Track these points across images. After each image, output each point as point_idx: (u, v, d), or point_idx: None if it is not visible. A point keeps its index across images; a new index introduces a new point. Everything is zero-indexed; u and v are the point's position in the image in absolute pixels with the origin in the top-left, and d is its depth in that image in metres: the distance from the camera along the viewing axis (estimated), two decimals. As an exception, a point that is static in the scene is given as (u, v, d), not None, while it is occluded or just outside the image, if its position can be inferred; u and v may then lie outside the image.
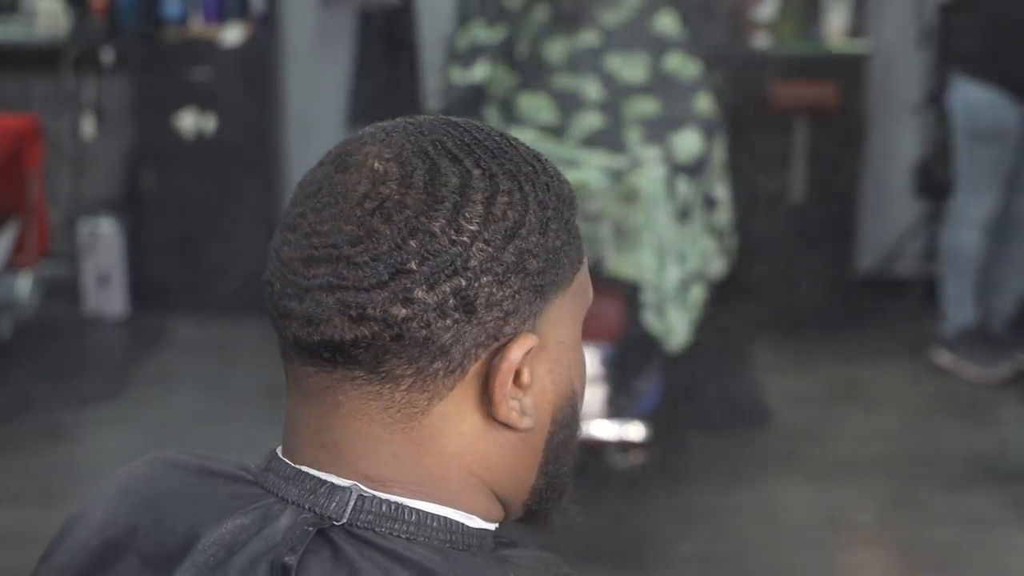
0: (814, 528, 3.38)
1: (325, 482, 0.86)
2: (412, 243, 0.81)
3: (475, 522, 0.88)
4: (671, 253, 3.31)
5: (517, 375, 0.86)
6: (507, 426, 0.86)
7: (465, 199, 0.82)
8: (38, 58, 4.83)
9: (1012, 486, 3.62)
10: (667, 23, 3.62)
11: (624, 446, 3.41)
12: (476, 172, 0.84)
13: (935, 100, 4.59)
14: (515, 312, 0.84)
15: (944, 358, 4.32)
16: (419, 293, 0.81)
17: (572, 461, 0.93)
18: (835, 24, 4.71)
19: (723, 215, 3.62)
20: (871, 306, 4.82)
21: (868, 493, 3.59)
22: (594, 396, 3.34)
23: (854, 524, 3.42)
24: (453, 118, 0.89)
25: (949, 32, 4.47)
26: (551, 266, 0.86)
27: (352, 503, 0.85)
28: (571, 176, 3.28)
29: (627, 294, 3.37)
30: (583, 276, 0.90)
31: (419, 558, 0.84)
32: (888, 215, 4.98)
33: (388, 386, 0.84)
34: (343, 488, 0.85)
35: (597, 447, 3.42)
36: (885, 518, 3.47)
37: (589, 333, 3.42)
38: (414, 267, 0.81)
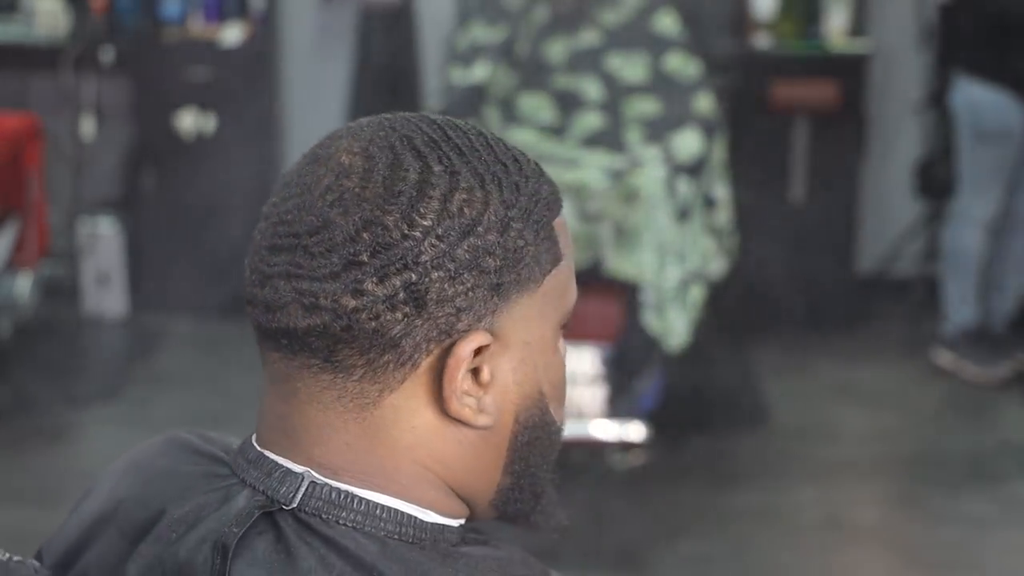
0: (814, 528, 3.38)
1: (281, 467, 0.88)
2: (365, 235, 0.82)
3: (430, 516, 0.89)
4: (671, 253, 3.31)
5: (477, 372, 0.86)
6: (463, 423, 0.87)
7: (421, 194, 0.83)
8: (38, 58, 4.83)
9: (1012, 486, 3.62)
10: (667, 23, 3.62)
11: (624, 446, 3.41)
12: (437, 168, 0.84)
13: (936, 100, 4.58)
14: (468, 309, 0.84)
15: (944, 358, 4.32)
16: (369, 285, 0.82)
17: (547, 463, 0.93)
18: (835, 24, 4.71)
19: (723, 215, 3.62)
20: (871, 306, 4.82)
21: (868, 493, 3.59)
22: (594, 396, 3.34)
23: (854, 524, 3.42)
24: (433, 116, 0.90)
25: (950, 32, 4.47)
26: (511, 265, 0.85)
27: (303, 489, 0.86)
28: (571, 176, 3.30)
29: (627, 294, 3.37)
30: (560, 279, 0.89)
31: (356, 548, 0.85)
32: (888, 215, 4.98)
33: (341, 376, 0.85)
34: (296, 474, 0.87)
35: (597, 447, 3.42)
36: (885, 518, 3.47)
37: (589, 333, 3.44)
38: (365, 259, 0.82)
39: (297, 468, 0.88)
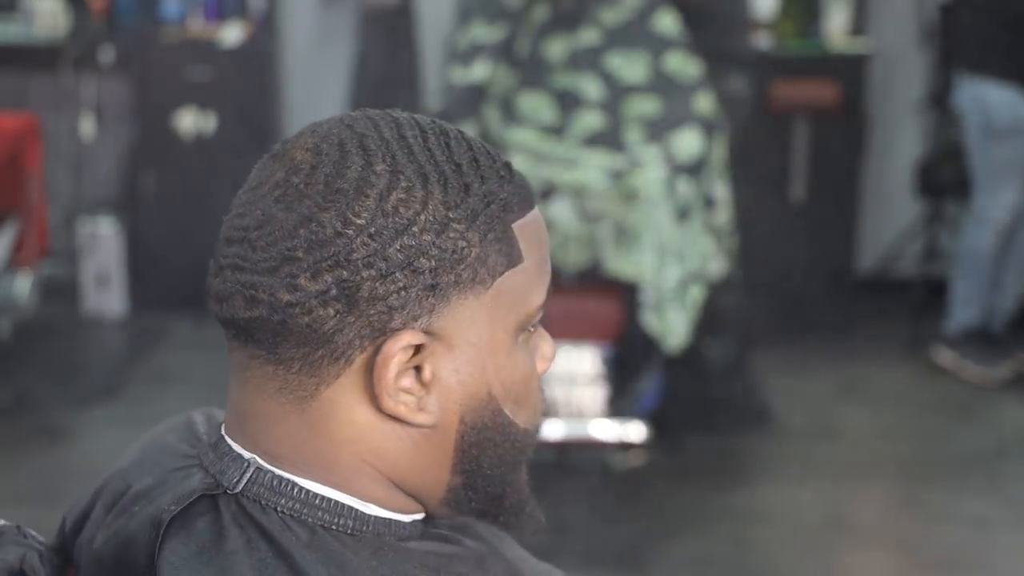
0: (814, 528, 3.38)
1: (232, 451, 0.91)
2: (302, 232, 0.84)
3: (372, 509, 0.90)
4: (671, 253, 3.30)
5: (419, 371, 0.87)
6: (400, 420, 0.88)
7: (359, 193, 0.84)
8: (37, 58, 4.83)
9: (1012, 486, 3.62)
10: (667, 22, 3.62)
11: (624, 446, 3.40)
12: (379, 168, 0.85)
13: (938, 101, 4.58)
14: (401, 308, 0.85)
15: (945, 356, 4.32)
16: (303, 281, 0.84)
17: (506, 465, 0.93)
18: (835, 24, 4.71)
19: (723, 215, 3.62)
20: (871, 306, 4.82)
21: (868, 493, 3.59)
22: (594, 396, 3.34)
23: (854, 524, 3.42)
24: (398, 114, 0.90)
25: (953, 31, 4.46)
26: (449, 267, 0.85)
27: (248, 475, 0.89)
28: (571, 176, 3.30)
29: (627, 294, 3.37)
30: (517, 281, 0.89)
31: (283, 534, 0.87)
32: (888, 215, 4.98)
33: (282, 368, 0.87)
34: (244, 459, 0.90)
35: (597, 447, 3.42)
36: (885, 518, 3.46)
37: (589, 333, 3.44)
38: (300, 255, 0.84)
39: (246, 454, 0.90)
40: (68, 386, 4.15)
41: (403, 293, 0.85)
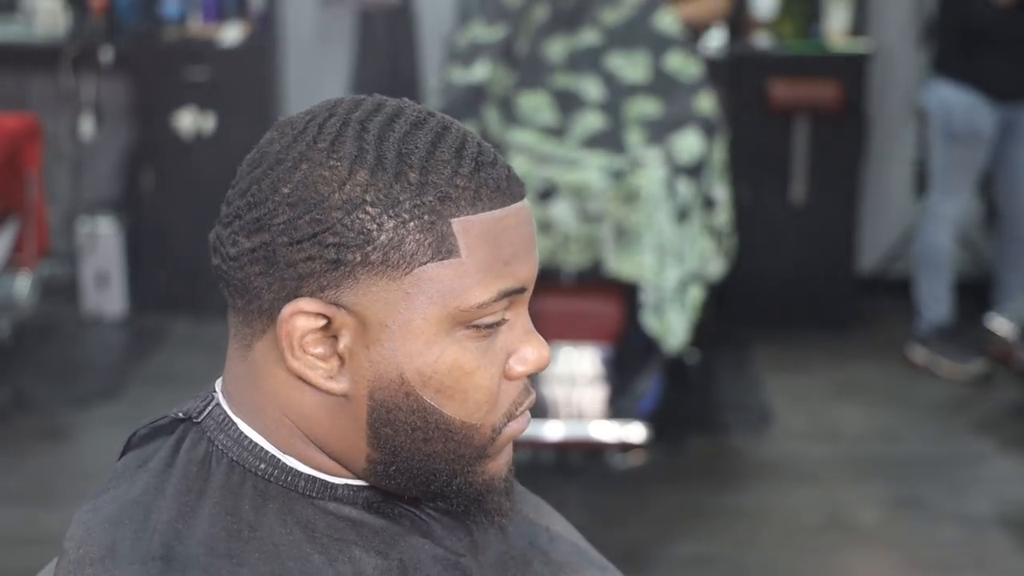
0: (814, 528, 3.38)
1: (211, 386, 1.00)
2: (248, 194, 0.92)
3: (291, 461, 0.95)
4: (670, 254, 3.30)
5: (335, 340, 0.92)
6: (310, 384, 0.93)
7: (294, 166, 0.90)
8: (37, 57, 4.83)
9: (1012, 486, 3.62)
10: (668, 22, 3.62)
11: (624, 446, 3.40)
12: (321, 145, 0.90)
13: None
14: (309, 277, 0.90)
15: (919, 354, 4.36)
16: (241, 237, 0.92)
17: (432, 451, 0.93)
18: (835, 24, 4.71)
19: (723, 216, 3.61)
20: (871, 306, 4.82)
21: (868, 493, 3.59)
22: (594, 397, 3.34)
23: (854, 524, 3.42)
24: (395, 101, 0.94)
25: (931, 33, 4.51)
26: (356, 246, 0.89)
27: (209, 408, 0.98)
28: (571, 177, 3.30)
29: (627, 295, 3.37)
30: (446, 274, 0.90)
31: (201, 465, 0.95)
32: (888, 215, 4.99)
33: (234, 316, 0.96)
34: (212, 394, 0.99)
35: (597, 447, 3.42)
36: (885, 518, 3.46)
37: (589, 333, 3.43)
38: (243, 214, 0.92)
39: (217, 392, 0.99)
40: (68, 386, 4.15)
41: (310, 263, 0.89)
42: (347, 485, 0.96)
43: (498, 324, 0.93)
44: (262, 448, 0.95)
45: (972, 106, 4.20)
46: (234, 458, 0.95)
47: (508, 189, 0.92)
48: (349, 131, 0.91)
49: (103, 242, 4.73)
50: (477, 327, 0.92)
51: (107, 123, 4.85)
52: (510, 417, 0.96)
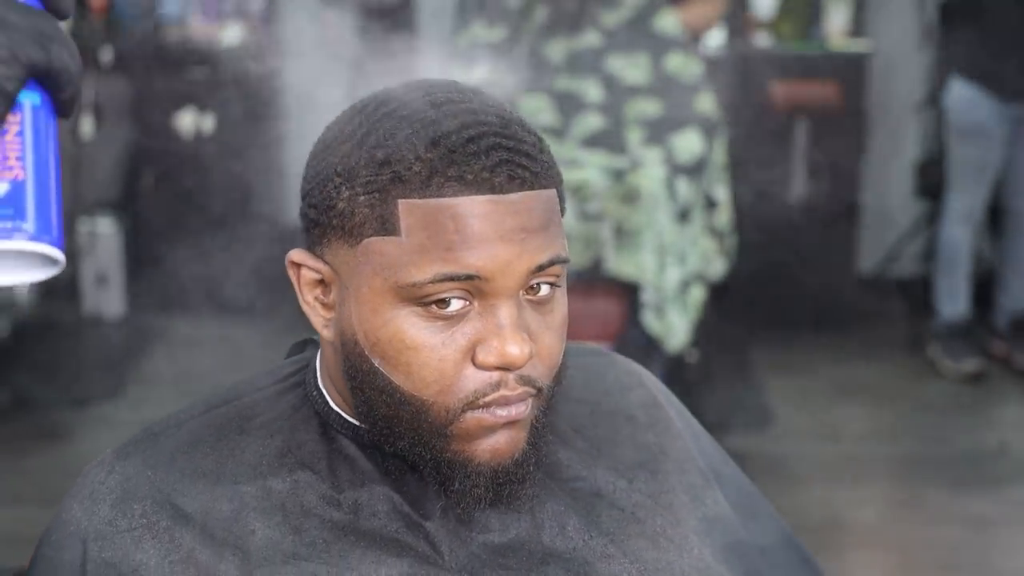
0: (814, 528, 3.37)
1: None
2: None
3: (328, 398, 1.06)
4: (671, 254, 3.30)
5: (328, 291, 1.02)
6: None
7: (320, 140, 1.02)
8: (37, 58, 4.81)
9: (1012, 486, 3.62)
10: (668, 23, 3.62)
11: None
12: (357, 120, 1.00)
13: (934, 100, 4.60)
14: (306, 232, 1.02)
15: (932, 351, 4.37)
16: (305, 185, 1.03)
17: (390, 414, 0.99)
18: (835, 24, 4.71)
19: (723, 216, 3.61)
20: (871, 306, 4.81)
21: (868, 493, 3.59)
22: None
23: (854, 524, 3.42)
24: (450, 85, 1.04)
25: (944, 31, 4.50)
26: (325, 212, 0.98)
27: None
28: (572, 176, 3.30)
29: (627, 295, 3.37)
30: (388, 250, 0.96)
31: (300, 386, 1.09)
32: (888, 215, 4.98)
33: None
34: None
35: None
36: (885, 518, 3.46)
37: (589, 333, 3.43)
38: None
39: None
40: (68, 386, 4.15)
41: (304, 220, 1.01)
42: (354, 425, 1.05)
43: (453, 307, 0.96)
44: (317, 378, 1.07)
45: (980, 104, 4.20)
46: (308, 380, 1.09)
47: (481, 182, 0.95)
48: (373, 112, 0.99)
49: (103, 242, 4.72)
50: (425, 305, 0.96)
51: (107, 123, 4.85)
52: (471, 405, 0.97)
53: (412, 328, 0.96)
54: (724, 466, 1.24)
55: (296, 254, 1.02)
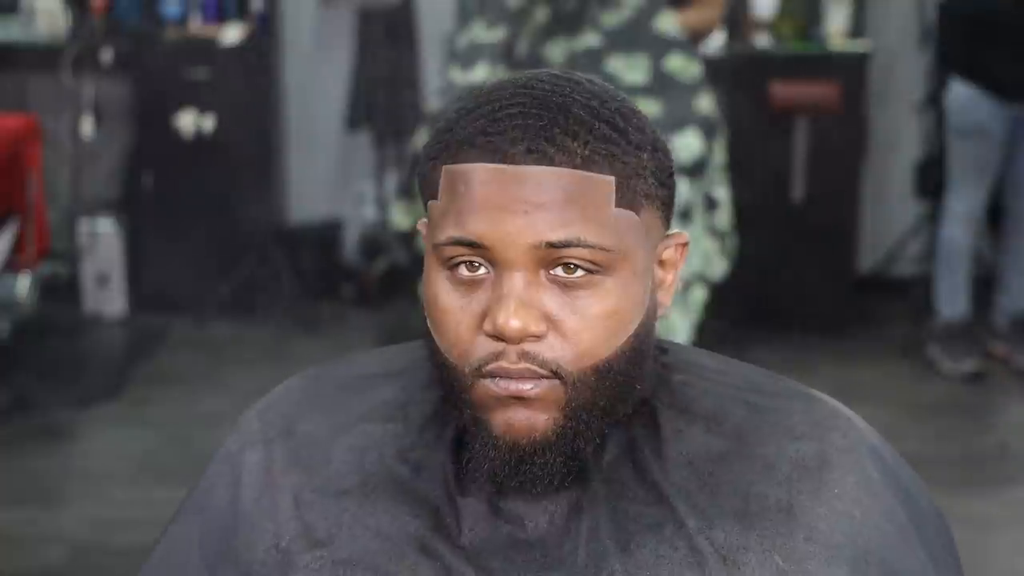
0: (814, 528, 3.37)
1: None
2: None
3: None
4: (671, 253, 3.30)
5: None
6: None
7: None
8: (37, 58, 4.82)
9: (1012, 487, 3.62)
10: (668, 23, 3.62)
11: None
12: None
13: (933, 100, 4.60)
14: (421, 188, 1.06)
15: (931, 350, 4.37)
16: None
17: (437, 374, 1.02)
18: (835, 24, 4.71)
19: (724, 216, 3.62)
20: (871, 306, 4.82)
21: (868, 493, 3.58)
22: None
23: (854, 524, 3.41)
24: (543, 75, 1.11)
25: (942, 31, 4.51)
26: (420, 172, 1.03)
27: None
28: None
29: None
30: (434, 213, 1.00)
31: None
32: (888, 215, 4.99)
33: None
34: None
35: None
36: (885, 518, 3.46)
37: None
38: None
39: None
40: (68, 386, 4.15)
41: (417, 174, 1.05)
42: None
43: (473, 273, 0.98)
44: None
45: (979, 102, 4.20)
46: None
47: (495, 151, 0.97)
48: (483, 89, 1.03)
49: (103, 242, 4.73)
50: (452, 269, 0.98)
51: (107, 123, 4.85)
52: (478, 373, 0.98)
53: (442, 291, 0.99)
54: None
55: (421, 223, 1.05)
